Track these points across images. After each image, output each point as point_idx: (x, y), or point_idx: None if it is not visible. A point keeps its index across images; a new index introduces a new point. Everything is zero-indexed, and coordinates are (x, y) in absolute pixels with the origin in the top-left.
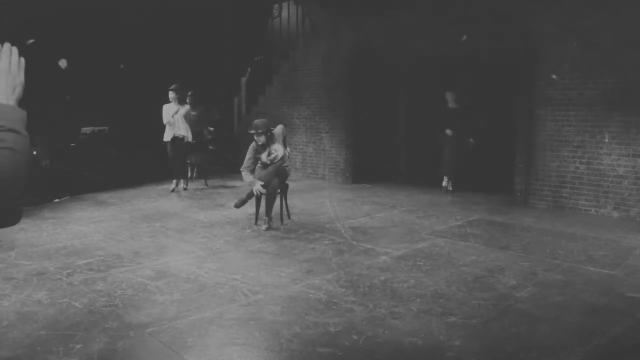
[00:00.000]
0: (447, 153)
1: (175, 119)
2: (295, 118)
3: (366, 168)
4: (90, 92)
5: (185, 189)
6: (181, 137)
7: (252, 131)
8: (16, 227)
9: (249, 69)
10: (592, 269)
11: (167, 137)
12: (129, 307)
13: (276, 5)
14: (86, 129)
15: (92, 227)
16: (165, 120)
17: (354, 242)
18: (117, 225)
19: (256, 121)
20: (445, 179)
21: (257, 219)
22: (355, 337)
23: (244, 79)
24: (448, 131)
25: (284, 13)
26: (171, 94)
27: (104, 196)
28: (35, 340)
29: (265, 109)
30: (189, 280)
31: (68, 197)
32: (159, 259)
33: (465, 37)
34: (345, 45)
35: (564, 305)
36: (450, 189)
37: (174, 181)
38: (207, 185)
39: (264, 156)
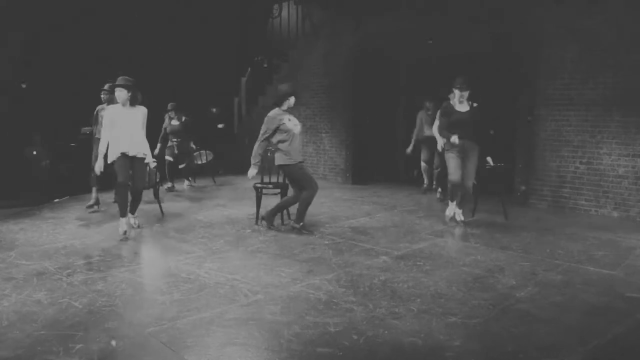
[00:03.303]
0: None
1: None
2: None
3: (366, 168)
4: (91, 92)
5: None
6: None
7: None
8: (16, 227)
9: (249, 69)
10: (592, 269)
11: (114, 154)
12: (129, 307)
13: (276, 5)
14: (86, 129)
15: (92, 227)
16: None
17: (354, 242)
18: (117, 225)
19: (281, 86)
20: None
21: (257, 219)
22: (355, 337)
23: (244, 79)
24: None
25: (284, 13)
26: (105, 96)
27: (104, 196)
28: (35, 340)
29: (265, 108)
30: (189, 280)
31: (68, 197)
32: (159, 259)
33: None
34: (345, 45)
35: (564, 305)
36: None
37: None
38: (162, 213)
39: (286, 119)
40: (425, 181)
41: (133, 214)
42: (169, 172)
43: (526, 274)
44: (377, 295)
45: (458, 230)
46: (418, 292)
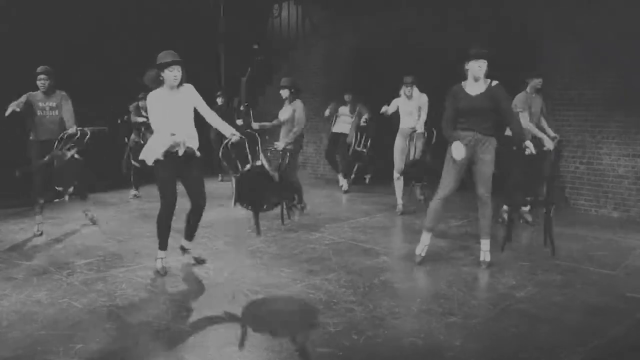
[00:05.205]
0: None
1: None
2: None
3: (366, 168)
4: (90, 92)
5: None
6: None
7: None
8: (16, 227)
9: (249, 69)
10: (592, 269)
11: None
12: (129, 307)
13: (276, 5)
14: (86, 129)
15: (92, 227)
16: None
17: (354, 242)
18: (117, 225)
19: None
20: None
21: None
22: (355, 337)
23: (244, 79)
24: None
25: (284, 13)
26: (45, 82)
27: (104, 196)
28: (35, 340)
29: (265, 108)
30: (190, 280)
31: (68, 197)
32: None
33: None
34: (345, 45)
35: (564, 305)
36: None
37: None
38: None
39: (280, 112)
40: (400, 200)
41: (190, 240)
42: (134, 177)
43: (526, 274)
44: (377, 295)
45: (458, 230)
46: (418, 292)
